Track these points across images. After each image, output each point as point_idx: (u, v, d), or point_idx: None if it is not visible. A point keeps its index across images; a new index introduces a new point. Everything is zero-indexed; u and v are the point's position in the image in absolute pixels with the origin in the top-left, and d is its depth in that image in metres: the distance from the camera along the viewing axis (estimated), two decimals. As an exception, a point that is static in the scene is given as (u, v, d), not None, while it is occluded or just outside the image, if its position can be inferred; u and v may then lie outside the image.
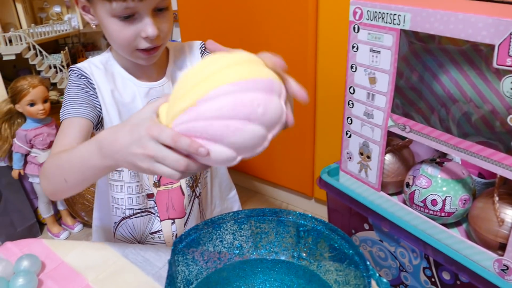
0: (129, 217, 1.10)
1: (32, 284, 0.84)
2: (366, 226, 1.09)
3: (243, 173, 2.44)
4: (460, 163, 1.00)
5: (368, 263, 0.68)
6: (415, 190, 0.92)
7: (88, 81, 0.97)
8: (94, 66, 1.00)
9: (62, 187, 0.80)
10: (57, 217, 2.36)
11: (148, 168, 0.59)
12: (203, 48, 1.12)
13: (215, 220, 0.78)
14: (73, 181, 0.77)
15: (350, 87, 0.98)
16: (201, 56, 1.12)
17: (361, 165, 1.03)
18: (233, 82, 0.54)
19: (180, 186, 1.12)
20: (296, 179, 2.19)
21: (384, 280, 0.69)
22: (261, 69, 0.57)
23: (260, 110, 0.54)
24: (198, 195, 1.17)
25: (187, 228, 0.99)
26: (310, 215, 0.80)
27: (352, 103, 0.99)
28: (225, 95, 0.53)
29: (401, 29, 0.82)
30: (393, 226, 0.98)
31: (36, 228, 2.24)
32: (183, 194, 1.12)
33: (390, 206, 0.99)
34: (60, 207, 2.28)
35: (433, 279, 0.95)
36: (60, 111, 0.94)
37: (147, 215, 1.12)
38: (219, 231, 0.79)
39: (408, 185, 0.95)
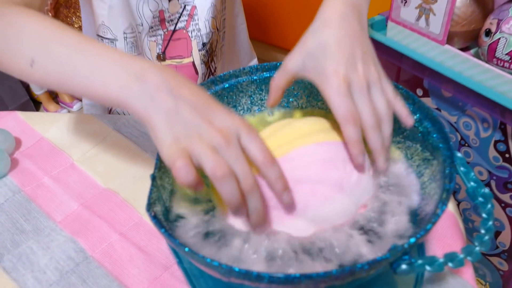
0: None
1: (2, 165, 0.67)
2: (419, 91, 0.87)
3: (263, 43, 2.17)
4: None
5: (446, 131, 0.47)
6: (499, 39, 0.68)
7: None
8: None
9: (18, 68, 0.48)
10: (54, 95, 2.18)
11: (194, 143, 0.38)
12: None
13: (225, 78, 0.57)
14: (48, 78, 0.46)
15: None
16: None
17: (420, 10, 0.77)
18: (319, 142, 0.45)
19: (193, 62, 0.88)
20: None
21: (459, 154, 0.48)
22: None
23: (354, 177, 0.44)
24: (213, 71, 0.94)
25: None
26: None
27: None
28: (310, 155, 0.44)
29: None
30: (459, 89, 0.75)
31: (31, 106, 2.02)
32: (197, 72, 0.90)
33: (458, 63, 0.75)
34: None
35: (507, 155, 0.75)
36: None
37: None
38: (231, 93, 0.58)
39: (488, 33, 0.71)
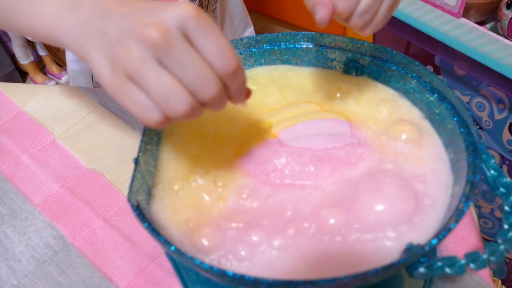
0: None
1: (-23, 141, 0.62)
2: (430, 68, 0.81)
3: (259, 14, 2.09)
4: None
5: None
6: (522, 11, 0.62)
7: None
8: None
9: None
10: (41, 65, 2.09)
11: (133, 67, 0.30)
12: None
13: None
14: None
15: None
16: None
17: (434, -21, 0.71)
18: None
19: None
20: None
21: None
22: None
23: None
24: None
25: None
26: (367, 42, 0.51)
27: None
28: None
29: None
30: (473, 67, 0.70)
31: (16, 77, 1.92)
32: None
33: (474, 38, 0.69)
34: (42, 53, 1.95)
35: (522, 139, 0.70)
36: None
37: None
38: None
39: (510, 4, 0.64)
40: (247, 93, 0.35)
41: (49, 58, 2.04)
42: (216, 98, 0.31)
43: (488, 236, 0.88)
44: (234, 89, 0.32)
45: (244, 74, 0.33)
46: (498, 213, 0.83)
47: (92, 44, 0.31)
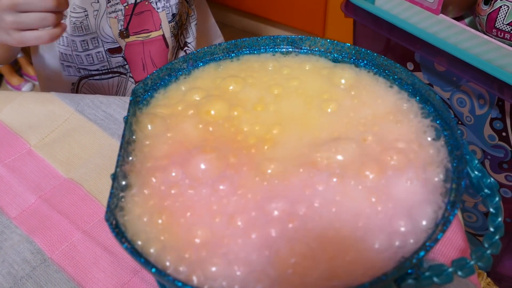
0: (86, 77, 0.81)
1: None
2: (410, 65, 0.81)
3: (235, 10, 2.06)
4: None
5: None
6: (500, 7, 0.62)
7: None
8: None
9: None
10: (17, 67, 2.04)
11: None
12: None
13: (198, 56, 0.49)
14: None
15: None
16: None
17: (413, -25, 0.70)
18: None
19: (163, 35, 0.80)
20: (302, 13, 1.83)
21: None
22: None
23: None
24: (182, 45, 0.86)
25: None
26: (347, 44, 0.51)
27: None
28: None
29: None
30: (453, 63, 0.70)
31: None
32: (167, 45, 0.82)
33: (453, 34, 0.69)
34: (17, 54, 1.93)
35: (503, 134, 0.71)
36: None
37: (114, 77, 0.82)
38: (203, 73, 0.51)
39: (488, 0, 0.64)
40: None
41: (25, 60, 1.99)
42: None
43: (472, 230, 0.89)
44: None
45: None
46: (481, 207, 0.84)
47: None
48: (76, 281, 0.48)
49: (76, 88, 0.84)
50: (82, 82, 0.83)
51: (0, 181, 0.58)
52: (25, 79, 2.03)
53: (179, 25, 0.83)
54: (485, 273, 0.97)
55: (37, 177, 0.59)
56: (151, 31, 0.79)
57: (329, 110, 0.45)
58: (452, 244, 0.50)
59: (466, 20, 0.78)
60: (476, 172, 0.41)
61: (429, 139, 0.42)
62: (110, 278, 0.48)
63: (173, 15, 0.79)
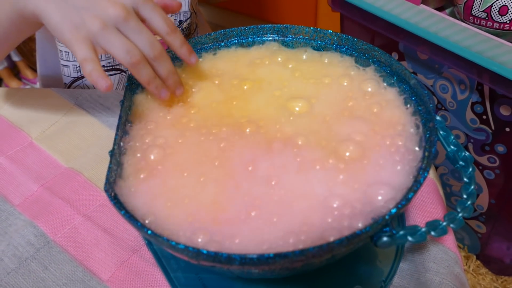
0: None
1: (-47, 146, 0.62)
2: (394, 55, 0.84)
3: (226, 10, 2.09)
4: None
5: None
6: (476, -5, 0.65)
7: None
8: None
9: None
10: (16, 71, 2.07)
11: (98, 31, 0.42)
12: None
13: (192, 44, 0.53)
14: None
15: None
16: None
17: (394, -32, 0.74)
18: None
19: None
20: (293, 11, 1.86)
21: (438, 117, 0.46)
22: None
23: None
24: None
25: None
26: (330, 31, 0.54)
27: None
28: None
29: None
30: (435, 51, 0.73)
31: None
32: None
33: (433, 23, 0.72)
34: (15, 58, 1.93)
35: (484, 117, 0.74)
36: None
37: (115, 74, 0.85)
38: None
39: (464, -11, 0.68)
40: (190, 48, 0.47)
41: (23, 64, 2.02)
42: (159, 56, 0.43)
43: (459, 213, 0.92)
44: (177, 45, 0.46)
45: (180, 33, 0.46)
46: (467, 191, 0.87)
47: (48, 4, 0.41)
48: (78, 260, 0.51)
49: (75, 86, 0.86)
50: (76, 83, 0.86)
51: (3, 171, 0.61)
52: (23, 82, 2.06)
53: (186, 33, 0.85)
54: (474, 256, 1.00)
55: (39, 167, 0.61)
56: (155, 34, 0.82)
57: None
58: (432, 216, 0.53)
59: (447, 11, 0.81)
60: (452, 147, 0.45)
61: (405, 114, 0.46)
62: (110, 257, 0.51)
63: (180, 21, 0.81)
